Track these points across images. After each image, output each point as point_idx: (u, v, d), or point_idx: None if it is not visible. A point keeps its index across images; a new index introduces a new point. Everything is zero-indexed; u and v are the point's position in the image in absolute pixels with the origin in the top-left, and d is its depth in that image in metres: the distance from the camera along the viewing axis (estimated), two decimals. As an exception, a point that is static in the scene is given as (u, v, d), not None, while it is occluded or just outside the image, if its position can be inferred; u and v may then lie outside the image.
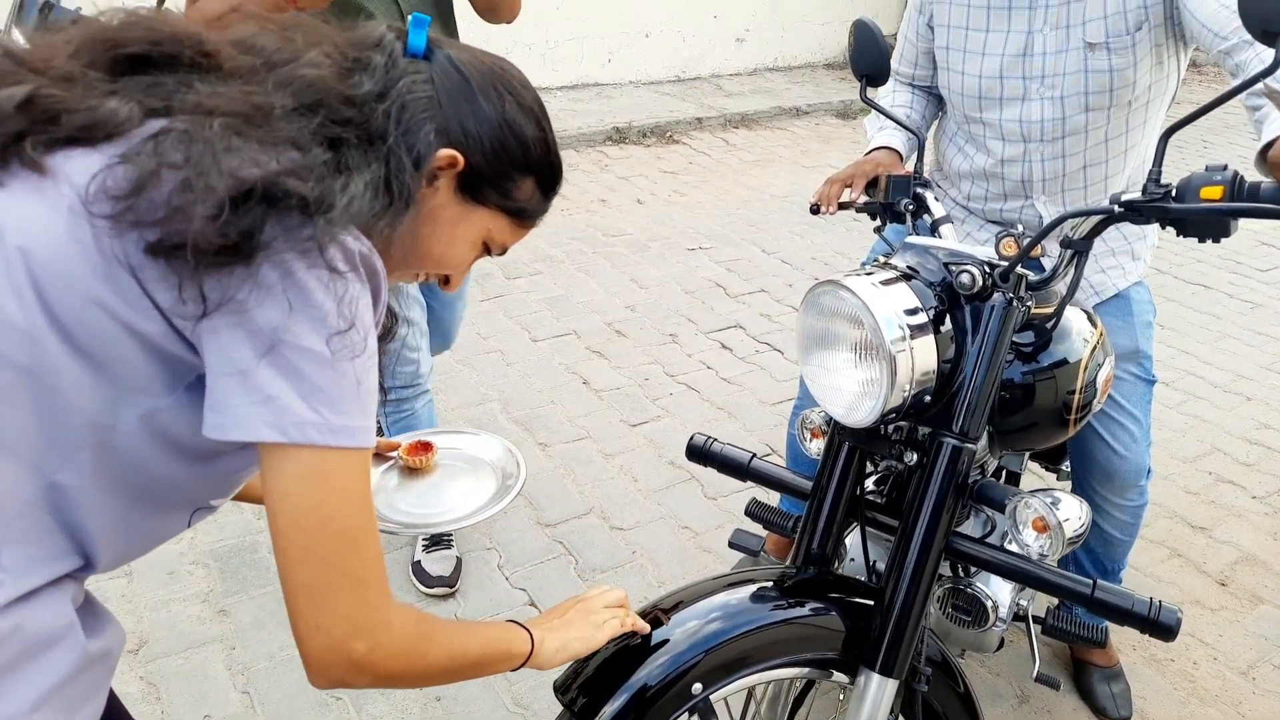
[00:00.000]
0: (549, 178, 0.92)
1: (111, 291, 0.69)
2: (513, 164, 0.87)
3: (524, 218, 0.93)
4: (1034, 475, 2.55)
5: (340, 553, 0.75)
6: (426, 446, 1.27)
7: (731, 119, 6.53)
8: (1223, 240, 1.00)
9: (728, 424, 2.96)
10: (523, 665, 0.98)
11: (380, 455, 1.29)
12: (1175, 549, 2.48)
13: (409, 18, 0.84)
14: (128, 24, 0.77)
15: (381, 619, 0.78)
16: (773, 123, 6.66)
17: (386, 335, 0.99)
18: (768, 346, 3.46)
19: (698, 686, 1.10)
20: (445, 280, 0.96)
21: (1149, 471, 1.75)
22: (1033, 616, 1.56)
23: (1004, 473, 1.91)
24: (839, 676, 1.22)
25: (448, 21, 1.87)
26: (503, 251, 0.95)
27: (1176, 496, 2.70)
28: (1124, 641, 2.11)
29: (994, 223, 1.73)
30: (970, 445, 1.14)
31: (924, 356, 1.10)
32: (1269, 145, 1.11)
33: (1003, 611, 1.47)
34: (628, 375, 3.21)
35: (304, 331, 0.70)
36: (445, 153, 0.82)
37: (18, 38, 3.82)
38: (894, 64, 1.84)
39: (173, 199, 0.68)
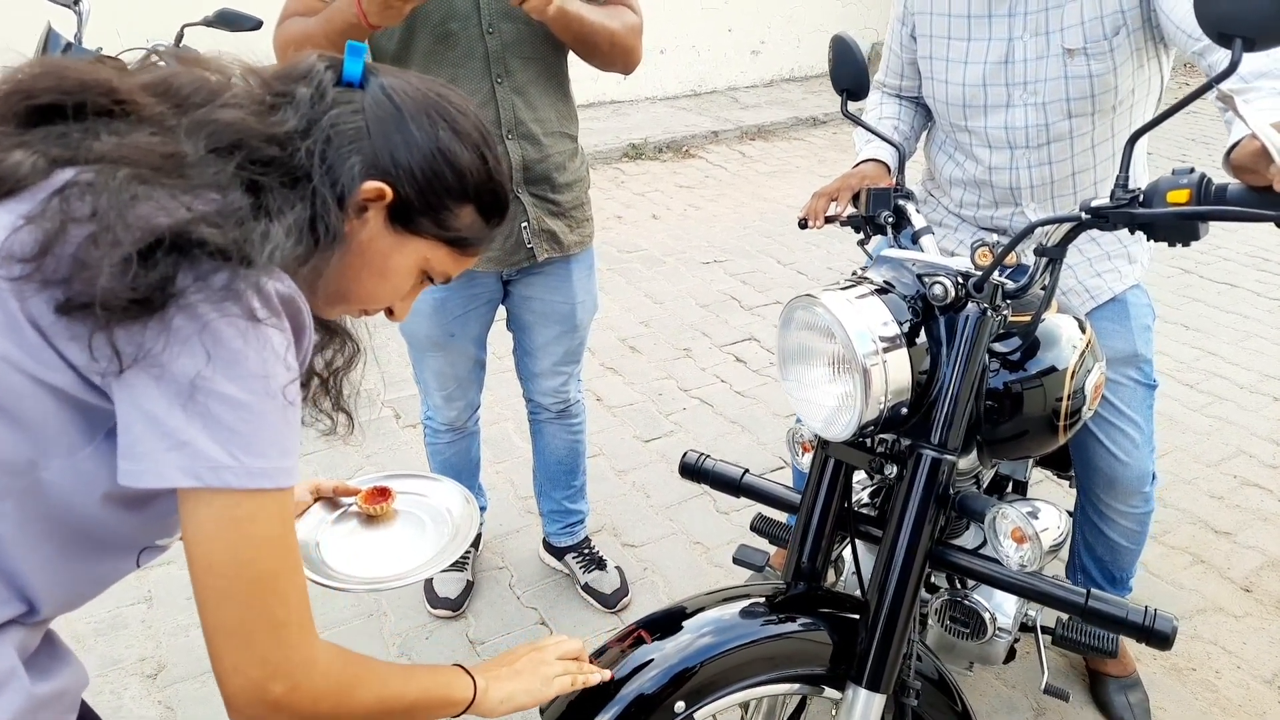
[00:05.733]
0: (490, 205, 0.90)
1: (15, 346, 0.69)
2: (447, 192, 0.85)
3: (465, 246, 0.91)
4: (1057, 486, 2.52)
5: (257, 596, 0.74)
6: (384, 493, 1.25)
7: (748, 131, 6.55)
8: (1192, 243, 0.99)
9: (741, 438, 2.96)
10: (464, 712, 0.96)
11: (334, 501, 1.27)
12: (1198, 555, 2.42)
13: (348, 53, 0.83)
14: (38, 74, 0.76)
15: (301, 659, 0.77)
16: (789, 133, 6.67)
17: (348, 365, 0.99)
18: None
19: (680, 705, 1.10)
20: (390, 312, 0.95)
21: (1154, 477, 1.72)
22: (1041, 627, 1.54)
23: (1010, 482, 1.90)
24: (830, 693, 1.21)
25: (547, 55, 1.72)
26: (446, 280, 0.93)
27: (1199, 501, 2.64)
28: (1144, 651, 2.06)
29: (986, 230, 1.72)
30: (949, 456, 1.14)
31: (898, 369, 1.10)
32: (1234, 147, 1.10)
33: (1003, 622, 1.45)
34: (641, 391, 3.22)
35: (221, 379, 0.69)
36: (372, 185, 0.81)
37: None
38: (880, 75, 1.84)
39: (79, 254, 0.67)
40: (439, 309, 1.86)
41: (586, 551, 2.30)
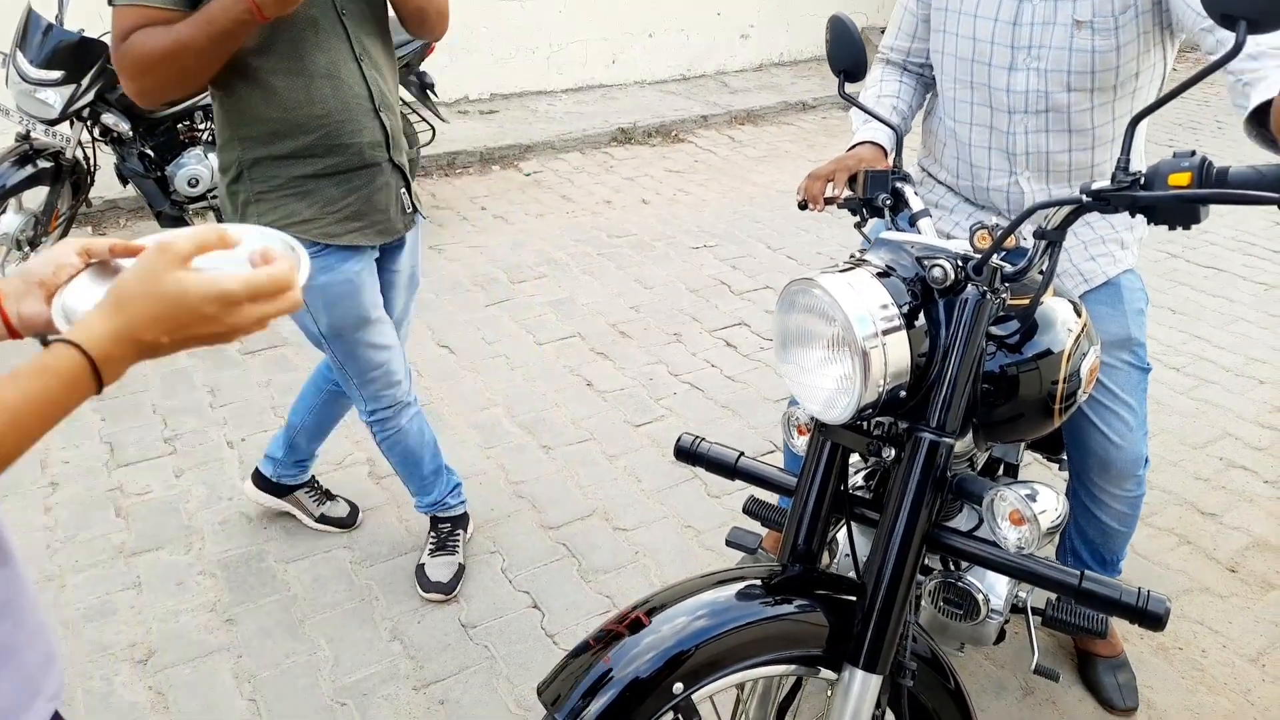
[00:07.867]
0: None
1: None
2: None
3: None
4: (1046, 467, 2.54)
5: None
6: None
7: (737, 115, 6.52)
8: (1192, 227, 0.99)
9: (731, 422, 2.96)
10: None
11: (109, 265, 0.90)
12: (1184, 536, 2.45)
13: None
14: None
15: None
16: (779, 118, 6.65)
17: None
18: (772, 343, 3.46)
19: (679, 686, 1.10)
20: None
21: (1146, 461, 1.73)
22: (1032, 608, 1.56)
23: (1002, 465, 1.91)
24: (826, 673, 1.22)
25: (384, 30, 1.84)
26: None
27: (1186, 483, 2.67)
28: (1131, 631, 2.09)
29: (981, 207, 1.72)
30: (947, 439, 1.14)
31: (897, 352, 1.10)
32: (1266, 106, 1.09)
33: (995, 603, 1.46)
34: (631, 376, 3.22)
35: None
36: None
37: (22, 62, 3.82)
38: (889, 40, 1.84)
39: None
40: (359, 291, 1.88)
41: (316, 486, 2.45)
